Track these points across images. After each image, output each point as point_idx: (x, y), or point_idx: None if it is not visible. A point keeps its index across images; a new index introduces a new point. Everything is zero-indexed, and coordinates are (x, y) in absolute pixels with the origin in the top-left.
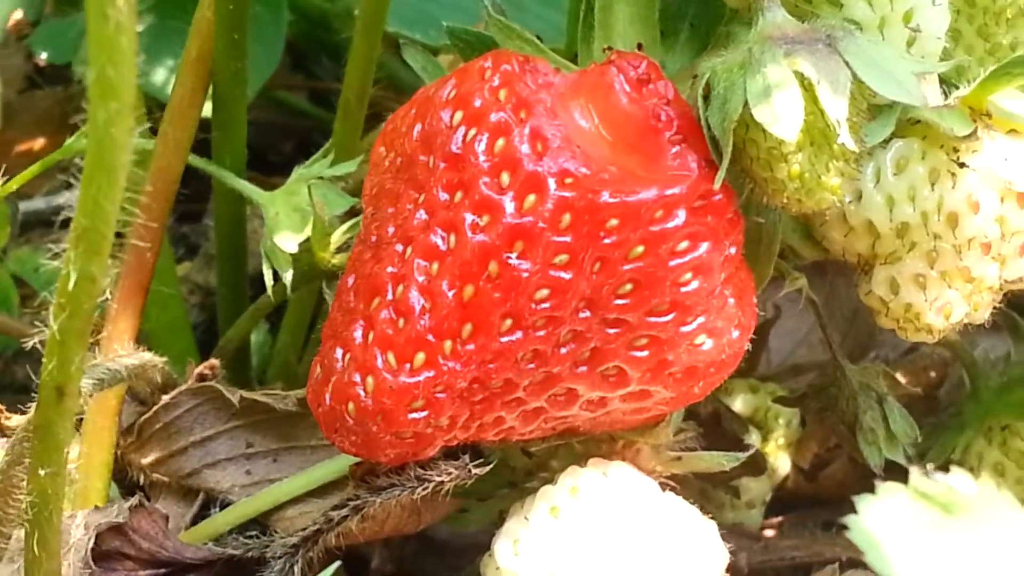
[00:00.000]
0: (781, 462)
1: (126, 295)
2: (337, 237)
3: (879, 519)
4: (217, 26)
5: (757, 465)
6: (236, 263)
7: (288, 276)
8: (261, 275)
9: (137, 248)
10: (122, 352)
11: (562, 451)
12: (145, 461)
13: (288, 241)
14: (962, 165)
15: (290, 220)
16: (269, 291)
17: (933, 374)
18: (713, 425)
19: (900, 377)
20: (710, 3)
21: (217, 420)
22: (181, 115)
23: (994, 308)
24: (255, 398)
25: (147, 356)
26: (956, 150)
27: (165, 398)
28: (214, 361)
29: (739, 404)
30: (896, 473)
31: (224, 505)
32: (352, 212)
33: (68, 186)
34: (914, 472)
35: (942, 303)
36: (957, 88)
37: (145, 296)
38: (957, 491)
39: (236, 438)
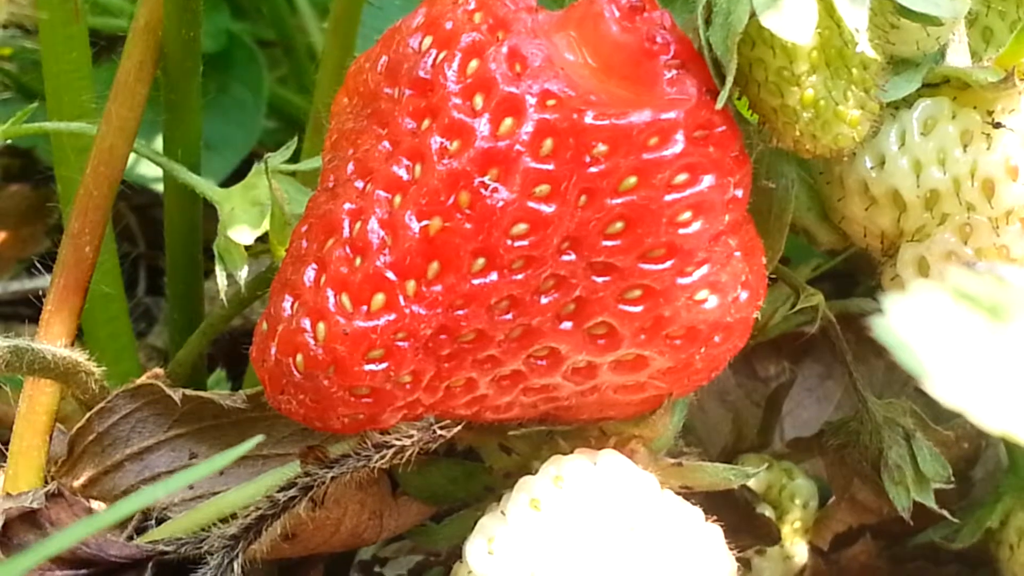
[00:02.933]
0: (798, 548)
1: (62, 294)
2: None
3: (911, 325)
4: None
5: (771, 535)
6: (189, 278)
7: (243, 274)
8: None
9: (75, 241)
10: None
11: (546, 450)
12: (77, 483)
13: (243, 234)
14: (997, 125)
15: (247, 214)
16: (222, 295)
17: (966, 445)
18: (723, 498)
19: None
20: None
21: (157, 428)
22: (127, 91)
23: None
24: (200, 396)
25: (81, 357)
26: (990, 111)
27: (101, 403)
28: (158, 370)
29: (752, 480)
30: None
31: (161, 522)
32: None
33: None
34: (954, 269)
35: None
36: None
37: (84, 296)
38: (1007, 287)
39: (178, 448)
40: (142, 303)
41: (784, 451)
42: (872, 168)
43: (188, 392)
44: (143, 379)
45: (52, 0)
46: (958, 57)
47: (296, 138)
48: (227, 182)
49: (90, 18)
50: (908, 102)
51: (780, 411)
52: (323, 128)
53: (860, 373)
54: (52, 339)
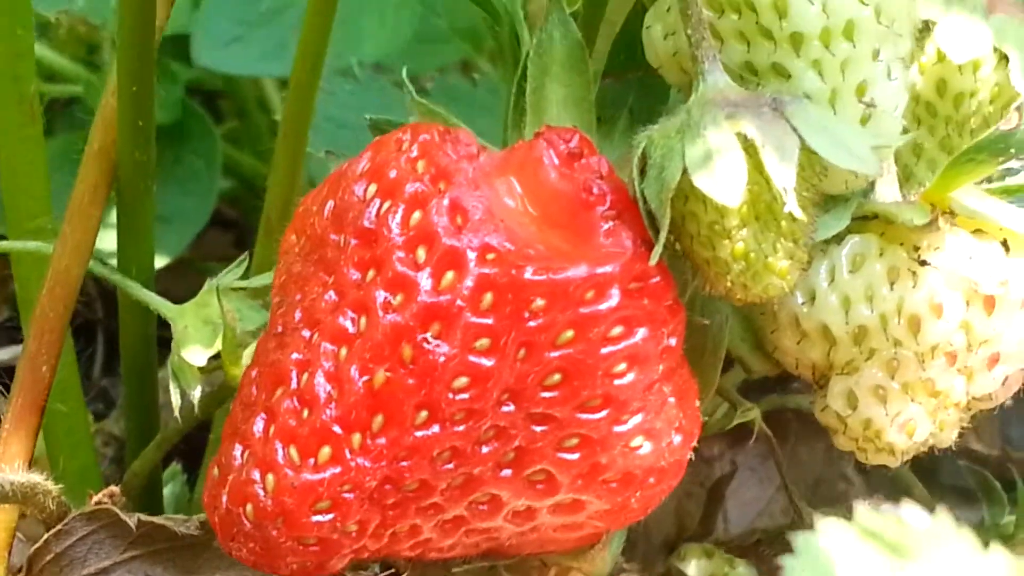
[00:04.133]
0: None
1: (19, 414)
2: (250, 353)
3: (819, 562)
4: (120, 112)
5: None
6: (144, 391)
7: (196, 394)
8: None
9: (32, 362)
10: (10, 472)
11: None
12: None
13: (196, 354)
14: (923, 263)
15: (199, 333)
16: (176, 413)
17: None
18: None
19: None
20: (651, 87)
21: (114, 550)
22: (82, 214)
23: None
24: (154, 522)
25: (38, 479)
26: (917, 248)
27: (58, 526)
28: (114, 488)
29: (693, 569)
30: None
31: None
32: None
33: None
34: (860, 506)
35: (905, 419)
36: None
37: (41, 415)
38: (909, 527)
39: (134, 570)
40: (99, 385)
41: (726, 539)
42: (803, 303)
43: (143, 517)
44: (99, 497)
45: (8, 100)
46: (887, 188)
47: (247, 253)
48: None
49: (42, 85)
50: (838, 237)
51: (723, 500)
52: (273, 232)
53: (801, 455)
54: (10, 459)
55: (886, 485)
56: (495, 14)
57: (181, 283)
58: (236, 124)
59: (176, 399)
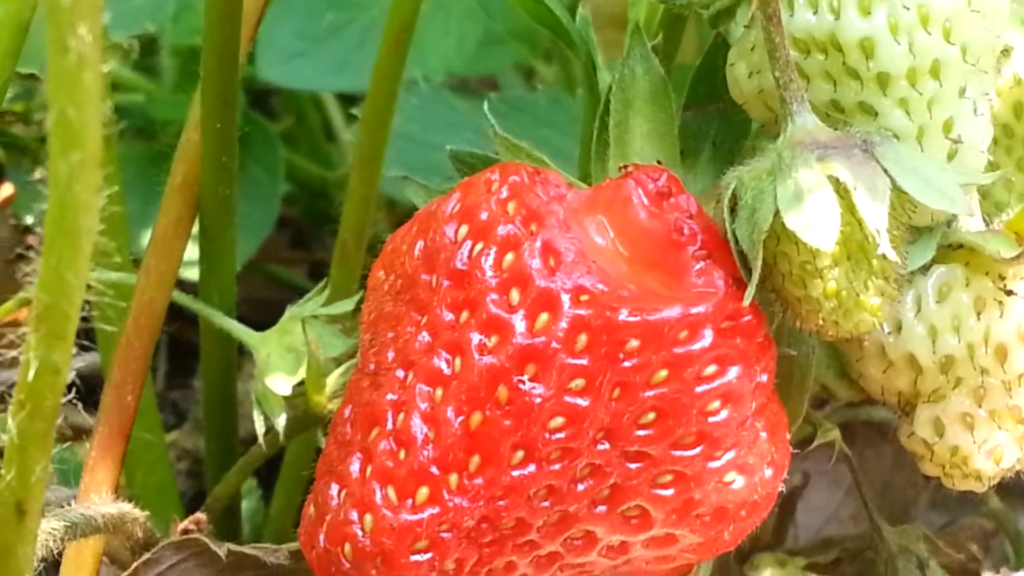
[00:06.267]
0: None
1: (105, 442)
2: (334, 380)
3: None
4: (204, 148)
5: None
6: (225, 414)
7: (281, 422)
8: (254, 438)
9: (117, 390)
10: (99, 502)
11: None
12: None
13: (280, 383)
14: (1010, 293)
15: (283, 361)
16: (261, 440)
17: (975, 546)
18: None
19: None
20: (733, 119)
21: None
22: (165, 246)
23: None
24: (244, 551)
25: (127, 507)
26: (1003, 277)
27: (146, 555)
28: (200, 515)
29: None
30: None
31: None
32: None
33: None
34: None
35: (992, 445)
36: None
37: (126, 444)
38: None
39: None
40: (168, 398)
41: (799, 548)
42: (889, 333)
43: (232, 547)
44: (185, 525)
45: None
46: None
47: (325, 281)
48: None
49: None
50: (923, 268)
51: (794, 511)
52: (349, 258)
53: (869, 460)
54: (97, 488)
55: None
56: (570, 42)
57: (241, 285)
58: (291, 123)
59: (260, 426)
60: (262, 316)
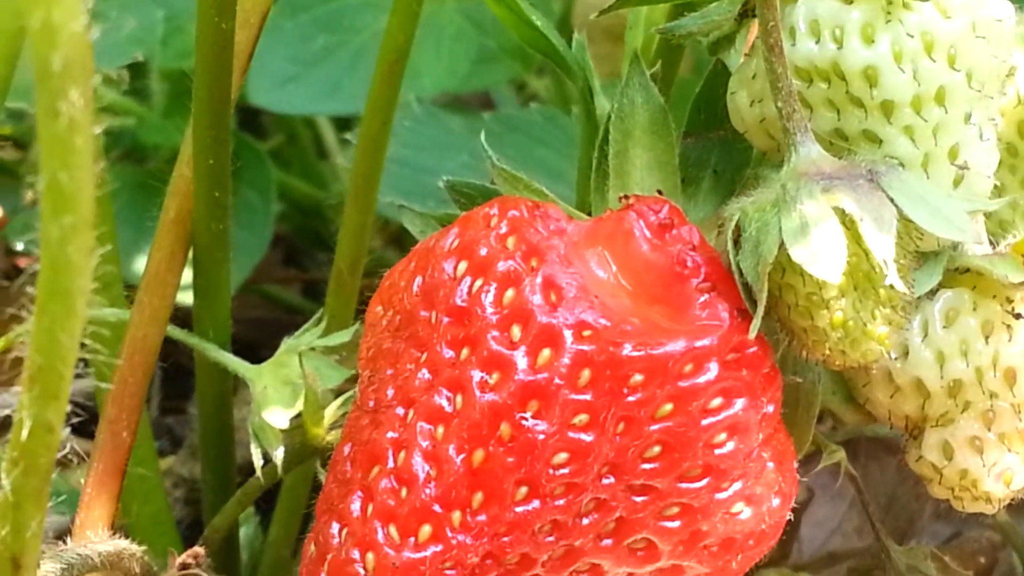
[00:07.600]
0: None
1: (100, 479)
2: (331, 412)
3: None
4: (196, 184)
5: None
6: (222, 445)
7: (279, 455)
8: (250, 465)
9: (112, 426)
10: (95, 539)
11: None
12: None
13: (278, 416)
14: (1018, 316)
15: (279, 394)
16: (259, 473)
17: (982, 559)
18: None
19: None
20: (735, 147)
21: None
22: (159, 281)
23: None
24: None
25: (123, 544)
26: (1010, 300)
27: None
28: (198, 549)
29: None
30: None
31: None
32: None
33: None
34: None
35: (1001, 468)
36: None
37: (122, 480)
38: None
39: None
40: (164, 423)
41: (803, 563)
42: (896, 358)
43: None
44: (183, 559)
45: None
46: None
47: (322, 312)
48: None
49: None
50: (930, 292)
51: (799, 527)
52: (345, 286)
53: (873, 473)
54: (93, 525)
55: None
56: (567, 69)
57: (234, 306)
58: (282, 140)
59: (258, 459)
60: (256, 336)
